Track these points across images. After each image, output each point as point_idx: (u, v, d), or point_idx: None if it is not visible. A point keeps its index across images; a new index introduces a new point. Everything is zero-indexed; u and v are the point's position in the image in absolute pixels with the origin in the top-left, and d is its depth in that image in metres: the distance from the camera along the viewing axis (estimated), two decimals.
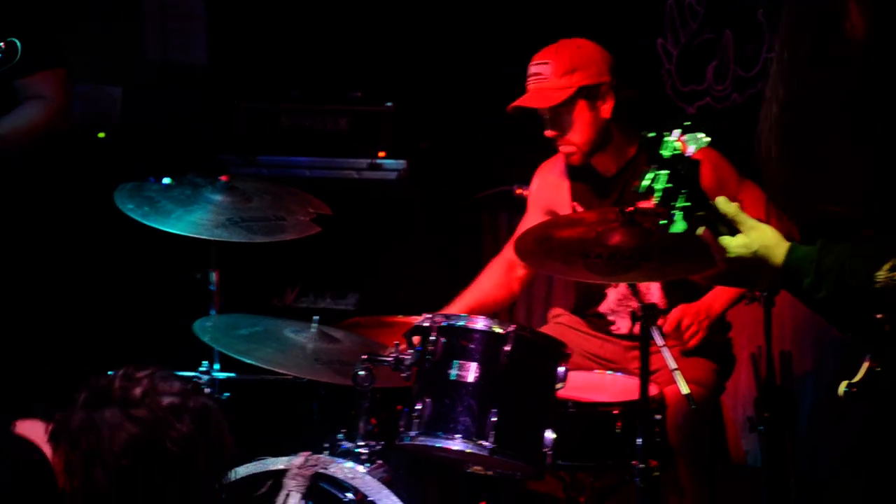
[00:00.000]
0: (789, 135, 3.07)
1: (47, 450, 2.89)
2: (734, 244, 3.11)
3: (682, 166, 3.12)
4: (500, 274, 5.10)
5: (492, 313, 4.91)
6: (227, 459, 2.92)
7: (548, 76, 4.84)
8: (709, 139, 3.16)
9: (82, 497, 2.83)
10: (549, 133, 4.89)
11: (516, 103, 4.88)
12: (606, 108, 4.84)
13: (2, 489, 2.82)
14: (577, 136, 4.85)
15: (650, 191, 3.16)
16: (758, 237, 3.10)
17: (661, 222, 3.18)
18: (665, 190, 3.13)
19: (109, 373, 2.91)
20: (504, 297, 5.15)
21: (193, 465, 2.83)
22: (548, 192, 5.11)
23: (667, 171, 3.13)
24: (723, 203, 3.12)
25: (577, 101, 4.82)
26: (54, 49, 4.91)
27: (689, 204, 3.13)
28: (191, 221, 4.57)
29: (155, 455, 2.81)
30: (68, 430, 2.85)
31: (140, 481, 2.82)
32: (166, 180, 4.75)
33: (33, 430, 2.95)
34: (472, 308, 4.90)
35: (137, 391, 2.85)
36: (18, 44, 4.26)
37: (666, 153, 3.14)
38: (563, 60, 4.83)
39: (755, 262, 3.10)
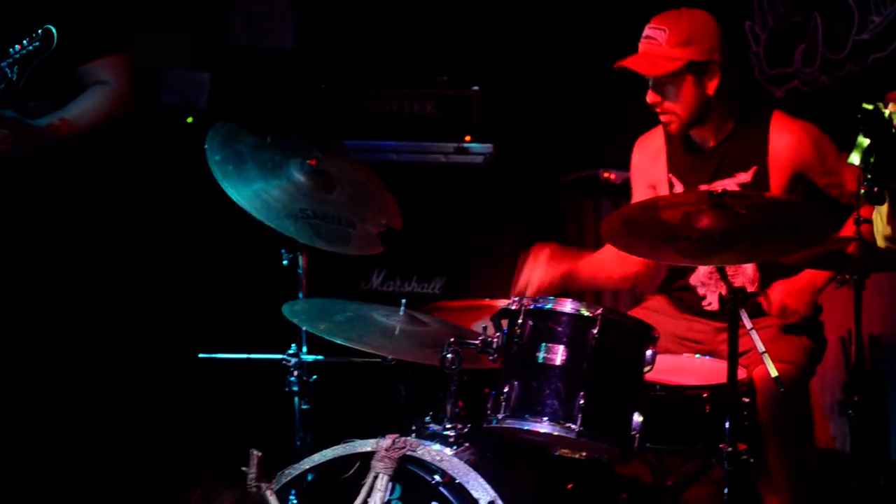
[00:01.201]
0: None
1: None
2: None
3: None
4: (614, 253, 5.03)
5: (609, 289, 4.90)
6: None
7: (661, 43, 4.80)
8: None
9: None
10: (650, 98, 4.86)
11: (624, 62, 4.83)
12: (712, 86, 4.81)
13: None
14: (679, 107, 4.82)
15: (866, 163, 3.13)
16: None
17: (865, 193, 3.15)
18: (876, 162, 3.11)
19: None
20: (619, 276, 5.12)
21: None
22: (646, 165, 5.09)
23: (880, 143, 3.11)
24: None
25: (686, 74, 4.79)
26: (113, 35, 4.94)
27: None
28: (264, 200, 4.61)
29: None
30: None
31: None
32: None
33: None
34: (582, 276, 4.92)
35: None
36: (54, 31, 4.32)
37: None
38: (680, 31, 4.79)
39: None
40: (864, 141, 3.13)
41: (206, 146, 4.65)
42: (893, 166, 3.10)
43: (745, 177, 4.87)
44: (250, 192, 4.61)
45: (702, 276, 4.98)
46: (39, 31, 4.37)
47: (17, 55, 4.45)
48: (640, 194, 5.08)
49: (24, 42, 4.40)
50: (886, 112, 3.11)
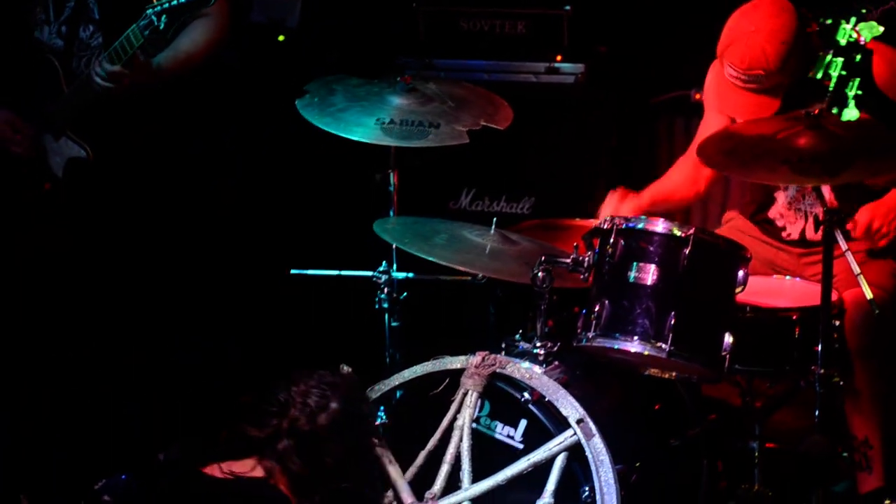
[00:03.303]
0: None
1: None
2: None
3: (856, 54, 3.07)
4: (687, 171, 5.04)
5: (674, 211, 4.89)
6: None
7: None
8: (882, 29, 3.10)
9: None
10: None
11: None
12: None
13: None
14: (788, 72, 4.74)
15: (825, 77, 3.11)
16: None
17: (833, 109, 3.14)
18: (839, 77, 3.09)
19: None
20: (690, 196, 5.10)
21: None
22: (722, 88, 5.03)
23: (841, 59, 3.09)
24: None
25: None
26: None
27: (860, 92, 3.08)
28: (340, 117, 4.65)
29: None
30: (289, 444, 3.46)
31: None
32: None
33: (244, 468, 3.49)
34: (657, 201, 4.89)
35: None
36: None
37: (842, 40, 3.10)
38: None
39: None
40: (829, 56, 3.10)
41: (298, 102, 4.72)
42: (849, 81, 3.07)
43: (820, 105, 4.79)
44: (327, 116, 4.65)
45: (780, 207, 4.94)
46: None
47: (167, 4, 4.48)
48: (713, 118, 5.01)
49: None
50: (846, 28, 3.08)
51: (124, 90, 4.73)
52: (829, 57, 3.10)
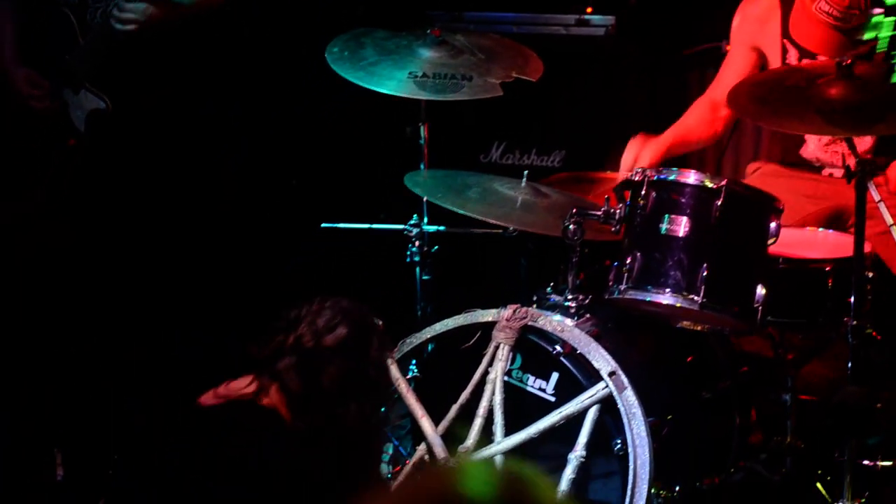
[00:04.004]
0: None
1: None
2: None
3: None
4: (703, 112, 5.02)
5: (693, 152, 4.86)
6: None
7: None
8: None
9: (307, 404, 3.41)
10: None
11: None
12: None
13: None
14: None
15: (874, 39, 3.08)
16: None
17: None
18: (891, 38, 3.06)
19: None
20: (707, 136, 5.06)
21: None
22: (753, 27, 4.98)
23: (893, 19, 3.05)
24: None
25: None
26: None
27: None
28: (372, 71, 4.63)
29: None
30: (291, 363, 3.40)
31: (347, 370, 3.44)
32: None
33: (239, 385, 3.47)
34: (675, 143, 4.86)
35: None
36: None
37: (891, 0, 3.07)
38: None
39: None
40: (879, 16, 3.07)
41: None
42: None
43: (861, 48, 4.76)
44: (359, 70, 4.64)
45: (815, 150, 4.91)
46: None
47: None
48: (738, 58, 4.97)
49: None
50: None
51: (144, 30, 4.72)
52: (879, 17, 3.07)
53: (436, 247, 4.87)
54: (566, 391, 4.07)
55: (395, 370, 4.13)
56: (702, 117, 5.02)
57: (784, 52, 4.89)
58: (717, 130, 5.06)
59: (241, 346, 3.52)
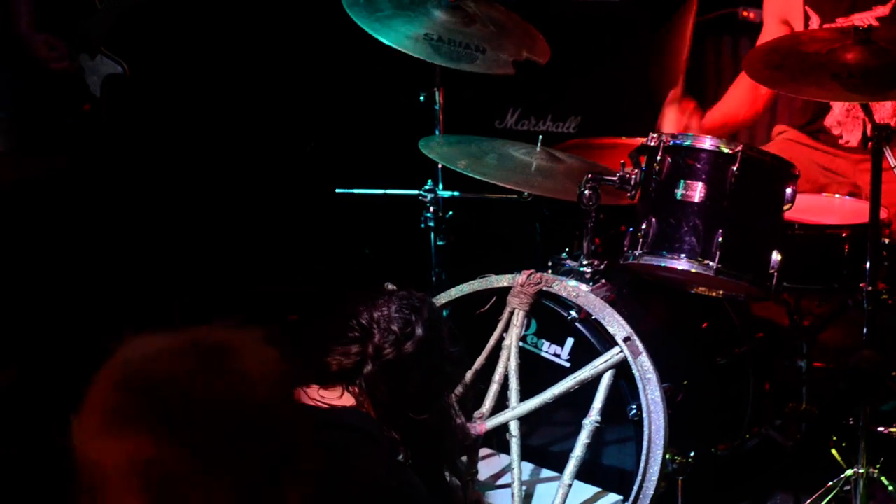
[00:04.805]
0: None
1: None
2: None
3: None
4: (743, 93, 5.00)
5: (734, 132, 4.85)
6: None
7: None
8: None
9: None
10: None
11: None
12: None
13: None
14: None
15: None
16: None
17: None
18: None
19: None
20: (749, 117, 5.07)
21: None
22: (779, 0, 4.98)
23: None
24: None
25: None
26: None
27: None
28: (388, 26, 4.59)
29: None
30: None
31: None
32: None
33: (332, 395, 3.39)
34: (718, 125, 4.87)
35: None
36: None
37: None
38: None
39: None
40: None
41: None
42: None
43: (882, 10, 4.75)
44: (374, 21, 4.60)
45: (838, 115, 4.90)
46: None
47: None
48: (770, 33, 4.97)
49: None
50: None
51: None
52: None
53: (450, 212, 4.86)
54: (581, 357, 4.07)
55: None
56: (742, 99, 5.02)
57: (806, 19, 4.88)
58: (758, 110, 5.07)
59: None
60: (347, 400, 3.36)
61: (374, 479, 3.19)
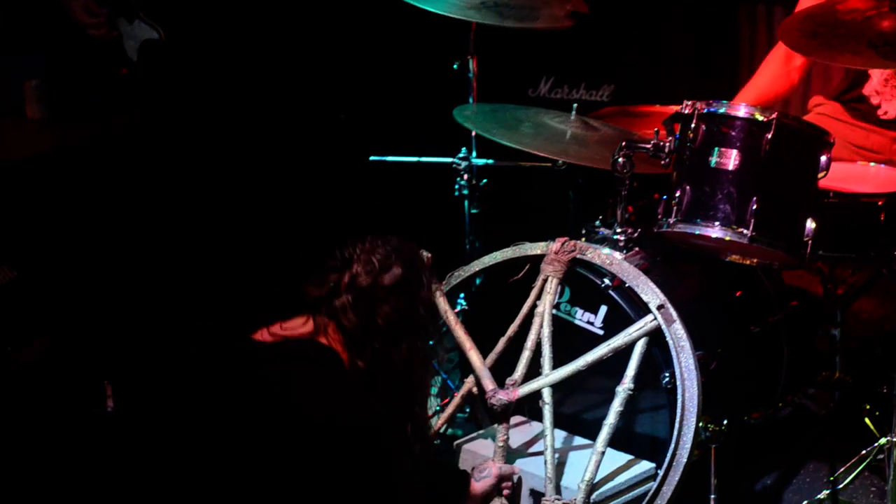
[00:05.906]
0: None
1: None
2: None
3: None
4: (778, 66, 4.97)
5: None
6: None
7: None
8: None
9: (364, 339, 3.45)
10: None
11: None
12: None
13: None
14: None
15: None
16: None
17: None
18: None
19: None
20: (785, 90, 5.02)
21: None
22: None
23: None
24: None
25: None
26: None
27: None
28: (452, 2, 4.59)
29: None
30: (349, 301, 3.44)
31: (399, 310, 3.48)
32: None
33: (295, 325, 3.48)
34: (752, 103, 4.83)
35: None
36: None
37: None
38: None
39: None
40: None
41: None
42: None
43: None
44: None
45: (876, 84, 4.87)
46: None
47: None
48: (806, 5, 4.94)
49: None
50: None
51: None
52: None
53: (484, 180, 4.87)
54: (614, 324, 4.07)
55: (443, 303, 4.14)
56: (776, 72, 4.96)
57: None
58: (793, 82, 5.01)
59: (292, 283, 3.53)
60: (308, 327, 3.46)
61: (311, 407, 3.31)
